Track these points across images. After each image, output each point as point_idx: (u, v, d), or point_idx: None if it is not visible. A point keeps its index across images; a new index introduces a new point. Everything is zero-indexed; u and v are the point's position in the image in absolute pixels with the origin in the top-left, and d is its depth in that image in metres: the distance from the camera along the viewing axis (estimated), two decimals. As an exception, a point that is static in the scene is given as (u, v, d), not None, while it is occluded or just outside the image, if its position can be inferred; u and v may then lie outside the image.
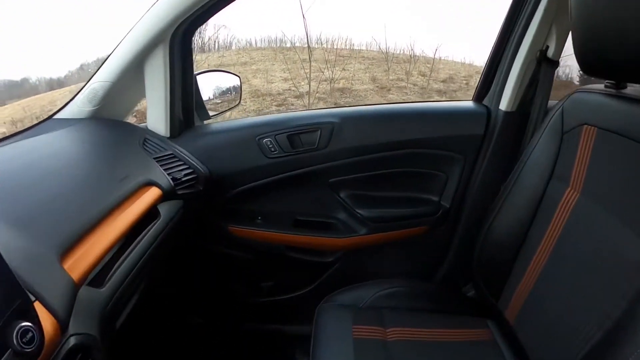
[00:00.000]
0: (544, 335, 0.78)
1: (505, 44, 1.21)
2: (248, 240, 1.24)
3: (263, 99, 5.26)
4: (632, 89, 0.79)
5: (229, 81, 1.31)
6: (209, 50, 6.61)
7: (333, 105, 5.00)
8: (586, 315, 0.68)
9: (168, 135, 1.12)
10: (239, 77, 1.30)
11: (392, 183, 1.25)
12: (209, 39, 6.62)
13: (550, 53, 1.13)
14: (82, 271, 0.59)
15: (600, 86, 0.84)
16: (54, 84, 5.51)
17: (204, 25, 6.49)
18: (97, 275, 0.67)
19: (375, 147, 1.19)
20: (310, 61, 5.09)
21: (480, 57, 5.50)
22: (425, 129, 1.21)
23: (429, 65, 5.39)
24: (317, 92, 5.09)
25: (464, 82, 5.28)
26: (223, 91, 1.29)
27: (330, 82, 5.12)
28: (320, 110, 1.27)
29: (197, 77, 1.17)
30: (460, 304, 1.11)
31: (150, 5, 0.99)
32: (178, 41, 1.05)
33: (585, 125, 0.80)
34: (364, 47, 5.80)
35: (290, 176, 1.19)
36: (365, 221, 1.23)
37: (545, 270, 0.82)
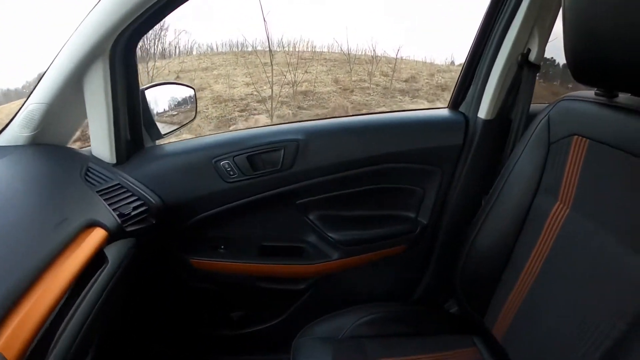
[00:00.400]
0: (536, 353, 0.75)
1: (483, 47, 1.14)
2: (212, 272, 1.14)
3: (225, 105, 5.17)
4: (624, 97, 0.76)
5: (182, 93, 1.18)
6: (170, 56, 6.45)
7: (296, 108, 4.95)
8: (582, 334, 0.66)
9: (114, 161, 0.99)
10: (193, 88, 1.18)
11: (365, 201, 1.17)
12: (169, 44, 6.49)
13: (532, 56, 1.08)
14: (18, 350, 0.50)
15: (589, 93, 0.80)
16: (11, 95, 5.15)
17: (163, 31, 6.37)
18: (37, 347, 0.56)
19: (345, 165, 1.10)
20: (272, 65, 5.03)
21: (440, 56, 5.56)
22: (398, 142, 1.12)
23: (390, 66, 5.42)
24: (279, 96, 5.03)
25: (426, 81, 5.32)
26: (176, 105, 1.16)
27: (293, 85, 5.06)
28: (283, 125, 1.15)
29: (145, 92, 1.05)
30: (444, 323, 1.06)
31: (86, 14, 0.87)
32: (119, 53, 0.92)
33: (576, 136, 0.77)
34: (325, 49, 5.79)
35: (253, 200, 1.09)
36: (338, 245, 1.13)
37: (535, 286, 0.78)
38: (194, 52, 6.60)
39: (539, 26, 1.05)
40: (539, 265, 0.78)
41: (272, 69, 5.01)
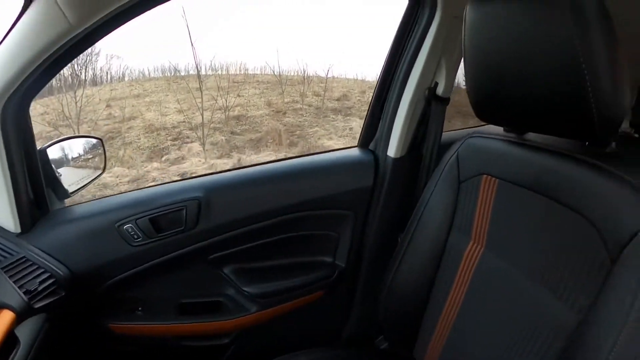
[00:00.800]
0: None
1: (390, 83, 1.11)
2: (133, 336, 1.08)
3: (157, 134, 5.05)
4: (534, 134, 0.75)
5: (89, 145, 1.10)
6: (101, 82, 6.24)
7: (229, 134, 4.91)
8: None
9: (18, 230, 0.93)
10: (100, 139, 1.11)
11: (279, 251, 1.13)
12: (100, 70, 6.27)
13: (439, 90, 1.06)
14: None
15: (499, 129, 0.79)
16: None
17: (94, 56, 6.14)
18: None
19: (254, 217, 1.06)
20: (201, 91, 4.96)
21: (371, 72, 5.69)
22: (308, 189, 1.09)
23: (322, 85, 5.47)
24: (212, 122, 4.97)
25: (358, 98, 5.43)
26: (83, 159, 1.09)
27: (225, 110, 5.02)
28: (185, 181, 1.11)
29: (47, 150, 0.98)
30: None
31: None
32: (11, 115, 0.86)
33: (485, 175, 0.76)
34: (258, 72, 5.79)
35: (163, 261, 1.05)
36: (255, 299, 1.10)
37: (459, 319, 0.78)
38: (126, 79, 6.43)
39: (445, 59, 1.04)
40: (460, 299, 0.78)
41: (201, 95, 4.94)
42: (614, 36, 0.60)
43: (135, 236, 1.01)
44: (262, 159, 4.58)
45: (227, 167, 4.50)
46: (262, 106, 5.19)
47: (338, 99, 5.31)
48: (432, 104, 1.07)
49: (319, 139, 4.79)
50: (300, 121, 4.97)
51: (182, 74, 5.90)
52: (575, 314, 0.60)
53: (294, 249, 1.15)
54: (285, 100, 5.29)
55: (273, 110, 5.11)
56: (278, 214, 1.08)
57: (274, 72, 5.53)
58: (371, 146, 1.17)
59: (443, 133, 1.10)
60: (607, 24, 0.59)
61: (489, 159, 0.77)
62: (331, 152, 1.23)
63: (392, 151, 1.11)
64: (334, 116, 5.09)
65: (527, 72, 0.62)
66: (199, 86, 5.07)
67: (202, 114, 4.85)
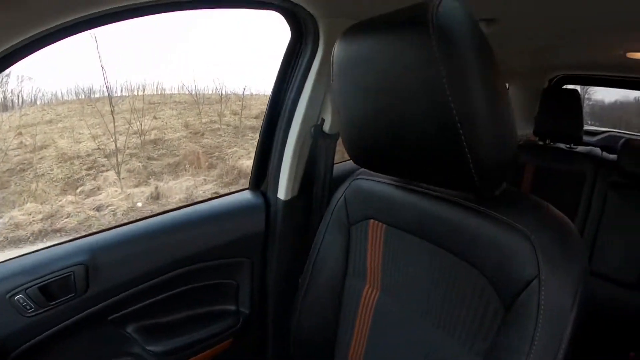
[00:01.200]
0: None
1: (276, 121, 1.07)
2: None
3: (72, 163, 4.90)
4: None
5: None
6: (12, 107, 5.91)
7: (146, 160, 4.85)
8: None
9: None
10: None
11: (181, 304, 1.07)
12: (11, 93, 5.93)
13: (326, 127, 1.02)
14: None
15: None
16: None
17: (4, 77, 5.78)
18: None
19: (149, 274, 1.00)
20: (113, 115, 4.86)
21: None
22: (200, 239, 1.04)
23: (239, 103, 5.50)
24: (127, 148, 4.89)
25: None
26: None
27: (140, 135, 4.95)
28: (70, 243, 1.04)
29: None
30: None
31: None
32: None
33: (372, 220, 0.75)
34: (175, 91, 5.70)
35: (61, 329, 0.99)
36: (161, 357, 1.04)
37: (367, 358, 0.77)
38: (38, 102, 6.12)
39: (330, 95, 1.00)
40: (364, 340, 0.78)
41: (113, 120, 4.84)
42: (495, 70, 0.54)
43: (28, 307, 0.95)
44: (181, 184, 4.59)
45: (145, 196, 4.49)
46: (179, 128, 5.16)
47: (256, 117, 5.36)
48: (319, 142, 1.03)
49: (238, 159, 4.85)
50: (218, 142, 5.00)
51: (97, 95, 5.72)
52: (474, 355, 0.60)
53: (197, 300, 1.10)
54: (203, 120, 5.28)
55: (191, 132, 5.10)
56: (174, 267, 1.03)
57: (190, 92, 5.49)
58: (263, 187, 1.13)
59: (337, 165, 1.08)
60: (484, 58, 0.53)
61: (375, 204, 0.75)
62: (222, 198, 1.18)
63: (282, 193, 1.08)
64: (252, 134, 5.15)
65: (396, 116, 0.57)
66: (115, 109, 4.96)
67: (115, 141, 4.76)
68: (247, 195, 1.14)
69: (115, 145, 4.72)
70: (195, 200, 1.16)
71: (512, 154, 0.58)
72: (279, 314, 1.14)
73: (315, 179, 1.08)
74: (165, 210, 1.10)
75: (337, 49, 0.65)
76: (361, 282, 0.79)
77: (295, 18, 0.98)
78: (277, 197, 1.09)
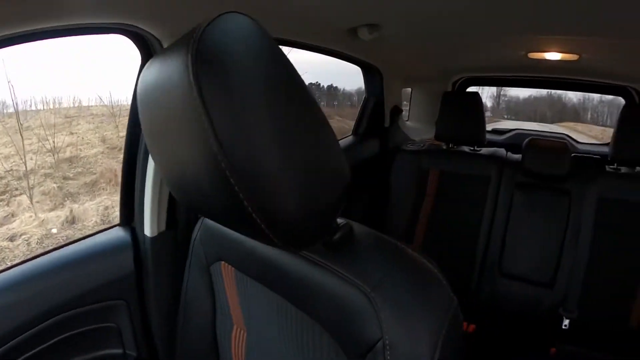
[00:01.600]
0: None
1: (135, 150, 1.01)
2: None
3: (-19, 189, 4.73)
4: None
5: None
6: None
7: (62, 180, 4.74)
8: None
9: None
10: None
11: (65, 353, 1.00)
12: None
13: None
14: None
15: None
16: None
17: None
18: None
19: (22, 326, 0.91)
20: (21, 133, 4.66)
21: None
22: (72, 284, 0.97)
23: (159, 113, 5.34)
24: (42, 168, 4.75)
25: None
26: None
27: (54, 153, 4.80)
28: None
29: None
30: None
31: None
32: None
33: (223, 262, 0.72)
34: (93, 103, 5.48)
35: None
36: None
37: None
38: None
39: None
40: None
41: (22, 139, 4.66)
42: (303, 100, 0.46)
43: None
44: (100, 203, 4.53)
45: (60, 221, 4.41)
46: (96, 143, 5.02)
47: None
48: None
49: (157, 173, 4.79)
50: (138, 156, 4.91)
51: (11, 110, 5.45)
52: None
53: (79, 348, 1.03)
54: (121, 134, 5.14)
55: (108, 147, 4.97)
56: (47, 317, 0.96)
57: (105, 104, 5.29)
58: (133, 223, 1.07)
59: None
60: (274, 88, 0.44)
61: (226, 244, 0.71)
62: (93, 237, 1.11)
63: (147, 229, 1.01)
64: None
65: (178, 162, 0.50)
66: (29, 125, 4.77)
67: (25, 162, 4.61)
68: (116, 232, 1.08)
69: (25, 167, 4.57)
70: (68, 241, 1.09)
71: (334, 200, 0.50)
72: (169, 354, 1.07)
73: (178, 213, 1.02)
74: (33, 256, 1.01)
75: (142, 74, 0.54)
76: (229, 323, 0.77)
77: (142, 41, 0.96)
78: (144, 234, 1.03)
